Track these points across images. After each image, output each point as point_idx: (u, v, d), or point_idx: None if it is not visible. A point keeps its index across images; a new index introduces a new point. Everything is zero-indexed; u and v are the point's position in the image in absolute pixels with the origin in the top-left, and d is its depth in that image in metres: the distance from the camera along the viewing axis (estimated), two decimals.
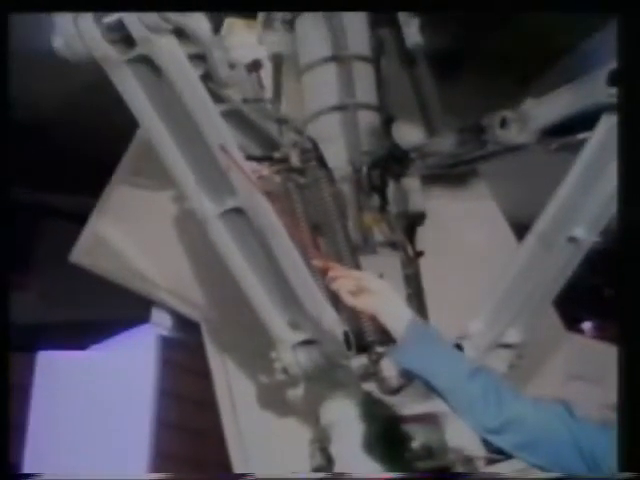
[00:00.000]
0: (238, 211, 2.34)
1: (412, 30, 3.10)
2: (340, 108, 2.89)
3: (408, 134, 3.03)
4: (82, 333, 4.37)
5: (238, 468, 2.91)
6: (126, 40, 2.21)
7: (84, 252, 3.26)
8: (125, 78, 2.25)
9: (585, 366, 3.17)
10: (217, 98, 2.38)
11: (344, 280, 2.11)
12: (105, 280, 3.30)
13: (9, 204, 2.12)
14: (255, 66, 2.78)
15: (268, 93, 2.92)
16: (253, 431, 2.94)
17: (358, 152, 2.85)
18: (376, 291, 2.08)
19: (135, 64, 2.23)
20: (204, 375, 3.15)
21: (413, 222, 2.91)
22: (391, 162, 2.86)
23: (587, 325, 5.75)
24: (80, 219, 3.31)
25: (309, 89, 3.00)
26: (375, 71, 3.01)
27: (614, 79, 2.25)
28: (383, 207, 2.83)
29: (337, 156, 2.82)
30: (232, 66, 2.46)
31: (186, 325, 3.48)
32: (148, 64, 2.23)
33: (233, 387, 3.02)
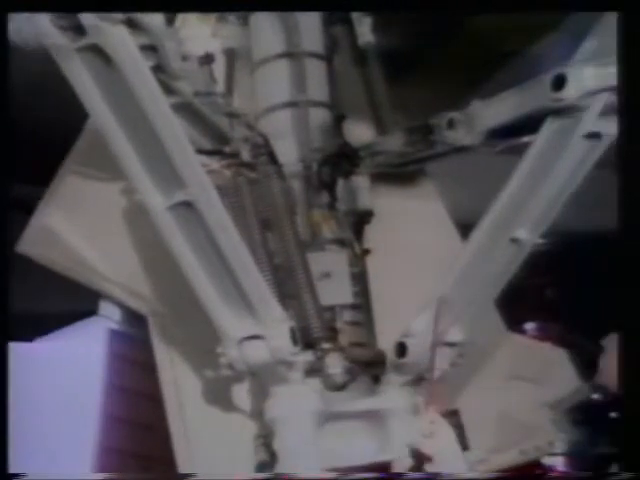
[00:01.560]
0: (187, 205, 2.32)
1: (364, 29, 3.13)
2: (292, 104, 2.90)
3: (358, 132, 3.06)
4: (29, 325, 4.30)
5: (182, 463, 2.90)
6: (76, 28, 2.17)
7: (31, 243, 3.21)
8: (75, 67, 2.21)
9: (526, 366, 3.21)
10: (168, 90, 2.36)
11: (421, 420, 2.39)
12: (52, 271, 3.26)
13: None
14: (207, 59, 2.77)
15: (220, 87, 2.92)
16: (198, 426, 2.93)
17: (309, 149, 2.87)
18: (443, 438, 2.37)
19: (85, 53, 2.19)
20: (153, 369, 3.13)
21: (361, 220, 2.94)
22: (341, 160, 2.88)
23: (529, 326, 5.86)
24: (27, 209, 3.26)
25: (261, 84, 3.01)
26: (327, 68, 3.03)
27: (558, 84, 2.30)
28: (332, 204, 2.86)
29: (288, 152, 2.84)
30: (184, 58, 2.44)
31: (135, 318, 3.45)
32: (98, 53, 2.19)
33: (179, 382, 3.00)
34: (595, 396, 4.25)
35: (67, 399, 4.06)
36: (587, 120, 2.34)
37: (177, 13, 2.81)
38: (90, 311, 3.92)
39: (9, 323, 2.39)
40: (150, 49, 2.30)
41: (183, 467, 2.88)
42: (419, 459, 2.42)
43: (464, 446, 2.74)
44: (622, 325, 1.90)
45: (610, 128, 2.36)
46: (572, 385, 3.23)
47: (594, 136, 2.38)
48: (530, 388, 3.16)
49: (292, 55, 2.93)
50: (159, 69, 2.33)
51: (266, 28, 2.98)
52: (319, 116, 2.93)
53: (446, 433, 2.38)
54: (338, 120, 3.00)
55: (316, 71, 2.97)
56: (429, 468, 2.45)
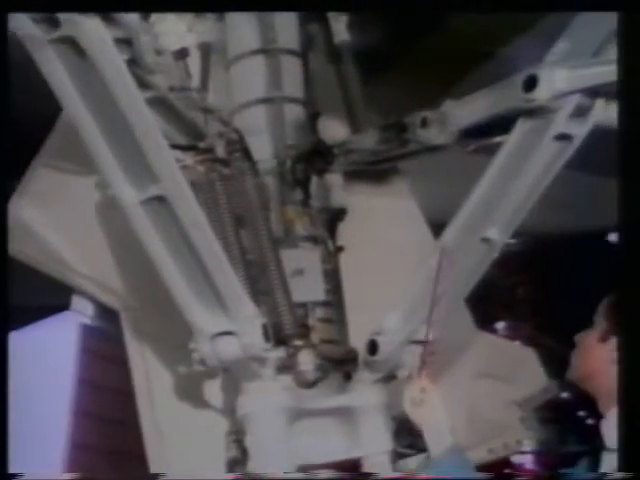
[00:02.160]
0: (160, 199, 2.32)
1: (340, 27, 3.14)
2: (267, 101, 2.92)
3: (333, 130, 3.07)
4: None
5: (154, 459, 2.89)
6: (50, 20, 2.16)
7: None
8: (48, 59, 2.20)
9: (495, 364, 3.23)
10: (142, 84, 2.36)
11: (412, 387, 2.37)
12: (25, 265, 3.24)
13: None
14: (182, 54, 2.76)
15: (195, 82, 2.92)
16: (170, 422, 2.93)
17: (283, 145, 2.88)
18: (432, 407, 2.36)
19: (59, 45, 2.18)
20: (125, 364, 3.12)
21: (334, 217, 2.95)
22: (315, 157, 2.89)
23: (500, 325, 5.92)
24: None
25: (237, 80, 3.01)
26: (303, 66, 3.04)
27: (530, 85, 2.32)
28: (306, 201, 2.87)
29: (262, 149, 2.85)
30: (159, 53, 2.44)
31: (107, 313, 3.43)
32: (72, 45, 2.18)
33: (151, 377, 3.00)
34: (564, 395, 4.29)
35: (38, 395, 4.02)
36: (558, 121, 2.36)
37: (155, 13, 2.80)
38: (62, 306, 3.90)
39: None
40: (125, 43, 2.29)
41: (154, 463, 2.88)
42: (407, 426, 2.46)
43: None
44: (623, 324, 1.92)
45: (581, 130, 2.39)
46: (540, 384, 3.26)
47: (565, 137, 2.40)
48: (499, 386, 3.18)
49: (268, 51, 2.94)
50: (134, 63, 2.32)
51: (242, 24, 2.98)
52: (294, 113, 2.94)
53: (436, 403, 2.37)
54: (313, 117, 3.01)
55: (291, 68, 2.98)
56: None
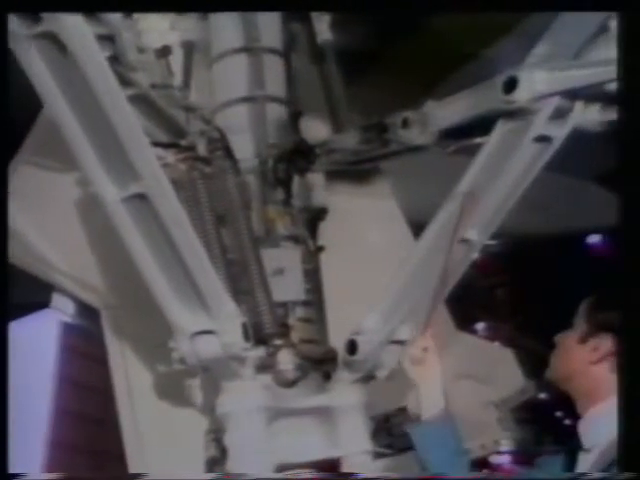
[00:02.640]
0: (141, 197, 2.31)
1: (323, 26, 3.15)
2: (249, 99, 2.91)
3: (315, 129, 3.08)
4: None
5: (133, 457, 2.89)
6: (32, 15, 2.17)
7: None
8: (29, 54, 2.20)
9: (474, 365, 3.24)
10: (124, 81, 2.35)
11: (415, 345, 2.40)
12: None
13: None
14: (164, 52, 2.75)
15: (177, 80, 2.91)
16: (149, 420, 2.93)
17: (265, 144, 2.88)
18: (431, 368, 2.41)
19: (40, 40, 2.19)
20: (105, 363, 3.11)
21: (315, 217, 2.95)
22: (297, 156, 2.89)
23: (480, 326, 5.95)
24: None
25: (219, 79, 3.01)
26: (285, 65, 3.05)
27: (510, 86, 2.34)
28: (287, 201, 2.86)
29: (244, 147, 2.84)
30: (141, 50, 2.44)
31: (88, 311, 3.42)
32: (54, 41, 2.19)
33: (131, 375, 3.00)
34: (541, 395, 4.31)
35: (17, 392, 3.99)
36: (538, 123, 2.38)
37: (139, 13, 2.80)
38: (43, 303, 3.88)
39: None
40: (107, 39, 2.29)
41: (134, 462, 2.87)
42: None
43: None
44: (622, 325, 1.94)
45: (560, 132, 2.41)
46: (518, 384, 3.27)
47: (544, 139, 2.43)
48: (477, 387, 3.19)
49: (250, 50, 2.94)
50: (116, 60, 2.33)
51: (225, 22, 2.98)
52: (276, 112, 2.94)
53: (435, 364, 2.36)
54: (295, 117, 3.01)
55: (274, 67, 2.98)
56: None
